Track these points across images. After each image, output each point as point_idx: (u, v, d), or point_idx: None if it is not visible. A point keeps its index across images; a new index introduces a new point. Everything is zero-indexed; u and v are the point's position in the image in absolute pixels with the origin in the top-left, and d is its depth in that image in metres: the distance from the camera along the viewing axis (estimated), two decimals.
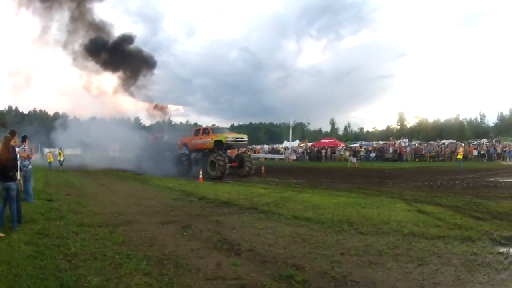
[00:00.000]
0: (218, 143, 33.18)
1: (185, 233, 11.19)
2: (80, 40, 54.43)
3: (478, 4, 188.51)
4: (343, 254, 8.77)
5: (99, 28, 54.56)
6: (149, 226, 12.14)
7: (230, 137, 33.83)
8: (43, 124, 63.73)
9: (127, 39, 56.90)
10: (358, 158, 58.20)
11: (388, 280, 6.97)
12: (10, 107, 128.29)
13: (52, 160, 41.22)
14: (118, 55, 55.33)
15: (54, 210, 14.56)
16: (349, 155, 57.36)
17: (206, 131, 35.25)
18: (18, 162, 12.69)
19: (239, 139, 34.55)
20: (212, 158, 32.04)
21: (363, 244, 9.50)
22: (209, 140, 34.05)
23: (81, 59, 54.52)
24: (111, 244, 9.75)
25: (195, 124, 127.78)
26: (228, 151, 36.22)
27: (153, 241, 10.22)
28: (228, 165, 31.96)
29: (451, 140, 77.57)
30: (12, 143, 11.77)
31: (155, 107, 58.15)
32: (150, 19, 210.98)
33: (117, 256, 8.59)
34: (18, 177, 12.22)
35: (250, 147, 54.54)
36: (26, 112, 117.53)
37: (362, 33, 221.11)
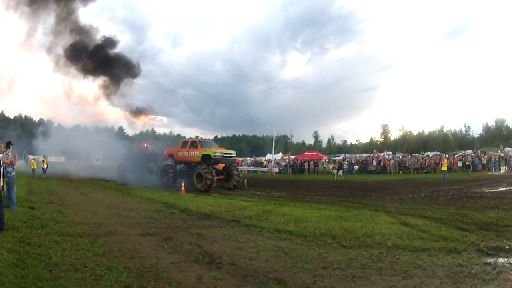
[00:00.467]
0: (206, 157, 33.19)
1: (166, 246, 11.18)
2: (64, 43, 54.03)
3: (463, 17, 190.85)
4: (325, 268, 8.77)
5: (83, 31, 54.24)
6: (130, 238, 12.14)
7: (219, 152, 34.06)
8: (27, 130, 63.39)
9: (109, 43, 56.52)
10: (342, 170, 58.40)
11: None
12: None
13: (35, 167, 40.81)
14: (100, 60, 55.01)
15: (36, 219, 14.51)
16: (333, 168, 57.76)
17: (194, 143, 35.31)
18: (1, 169, 12.60)
19: (227, 155, 34.74)
20: (199, 171, 31.96)
21: (346, 258, 9.52)
22: (196, 153, 34.11)
23: (62, 63, 54.06)
24: (92, 255, 9.74)
25: (179, 135, 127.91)
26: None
27: (134, 253, 10.22)
28: (215, 178, 31.87)
29: (435, 152, 78.32)
30: None
31: (137, 111, 57.54)
32: (136, 28, 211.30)
33: (97, 268, 8.58)
34: (1, 184, 12.13)
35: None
36: (11, 117, 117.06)
37: (347, 46, 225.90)
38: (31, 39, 54.73)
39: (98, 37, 55.46)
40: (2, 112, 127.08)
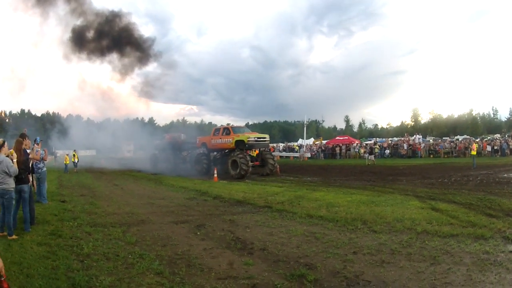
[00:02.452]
0: (240, 143, 32.73)
1: (198, 233, 11.16)
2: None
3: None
4: (355, 253, 8.70)
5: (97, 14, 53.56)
6: (163, 226, 12.14)
7: (252, 137, 33.33)
8: (56, 126, 63.63)
9: (116, 16, 55.14)
10: (373, 155, 58.12)
11: (399, 280, 6.88)
12: (22, 110, 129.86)
13: (68, 162, 40.89)
14: (110, 36, 54.35)
15: (67, 211, 14.62)
16: (364, 153, 57.12)
17: (227, 130, 34.79)
18: (32, 165, 12.78)
19: (261, 139, 34.04)
20: (234, 158, 31.64)
21: (376, 243, 9.45)
22: (230, 140, 33.67)
23: (72, 48, 53.60)
24: (124, 244, 9.78)
25: (210, 123, 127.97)
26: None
27: (166, 240, 10.22)
28: (250, 164, 31.52)
29: (465, 136, 77.10)
30: (23, 146, 11.86)
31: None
32: (159, 20, 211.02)
33: (129, 256, 8.60)
34: (31, 180, 12.32)
35: None
36: (39, 115, 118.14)
37: (372, 29, 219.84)
38: (49, 36, 54.71)
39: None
40: (28, 110, 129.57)
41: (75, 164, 42.32)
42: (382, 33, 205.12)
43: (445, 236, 9.74)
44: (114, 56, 55.73)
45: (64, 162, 41.38)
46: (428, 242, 9.31)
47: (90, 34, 53.53)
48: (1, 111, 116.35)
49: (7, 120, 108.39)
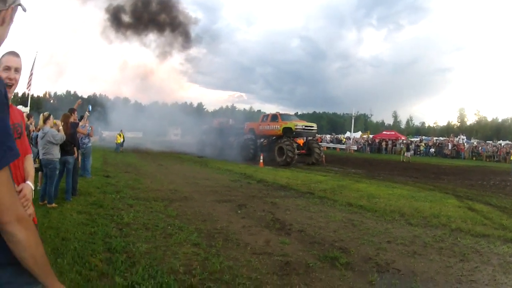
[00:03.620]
0: (287, 130, 32.51)
1: (239, 211, 11.32)
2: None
3: None
4: (389, 242, 8.80)
5: None
6: (205, 204, 12.30)
7: (300, 124, 33.02)
8: (103, 108, 64.19)
9: None
10: (418, 152, 58.30)
11: (428, 272, 6.91)
12: (68, 92, 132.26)
13: (120, 141, 41.04)
14: (147, 12, 54.14)
15: (110, 185, 14.88)
16: (401, 149, 56.82)
17: (275, 117, 34.73)
18: (78, 139, 13.14)
19: (309, 128, 33.67)
20: (280, 144, 31.56)
21: (410, 235, 9.53)
22: (277, 127, 33.48)
23: (111, 27, 54.07)
24: (165, 216, 9.94)
25: (259, 111, 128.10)
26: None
27: (207, 216, 10.38)
28: (296, 152, 31.33)
29: (507, 141, 75.66)
30: (71, 119, 12.20)
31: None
32: (209, 8, 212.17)
33: (169, 227, 8.76)
34: (77, 154, 12.66)
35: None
36: (85, 96, 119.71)
37: (421, 23, 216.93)
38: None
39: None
40: (74, 92, 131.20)
41: (121, 144, 41.95)
42: (431, 28, 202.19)
43: (477, 236, 9.70)
44: (151, 36, 55.90)
45: (116, 141, 41.42)
46: (460, 239, 9.31)
47: (128, 11, 53.88)
48: (45, 92, 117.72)
49: (51, 101, 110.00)
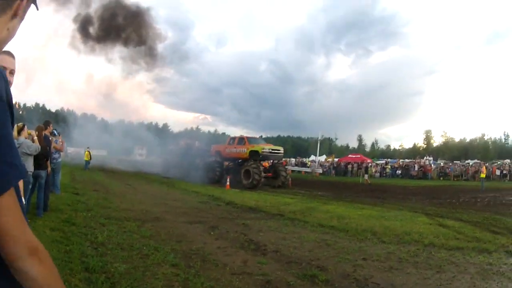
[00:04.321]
0: (254, 153, 32.77)
1: (212, 233, 11.29)
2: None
3: (504, 22, 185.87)
4: (365, 259, 8.90)
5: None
6: (177, 224, 12.27)
7: (267, 148, 33.50)
8: (69, 123, 63.50)
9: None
10: (384, 174, 59.26)
11: (407, 284, 7.14)
12: (37, 104, 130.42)
13: (89, 158, 40.57)
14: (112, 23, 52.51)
15: (81, 203, 14.73)
16: (375, 172, 57.77)
17: (241, 140, 34.93)
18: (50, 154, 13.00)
19: (275, 151, 34.29)
20: (247, 167, 31.64)
21: (385, 252, 9.67)
22: (244, 150, 33.70)
23: (80, 38, 52.49)
24: (139, 237, 9.87)
25: (223, 134, 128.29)
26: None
27: (181, 237, 10.33)
28: (263, 174, 31.58)
29: (476, 160, 76.99)
30: (45, 132, 12.10)
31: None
32: (179, 27, 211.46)
33: (144, 248, 8.67)
34: (49, 168, 12.53)
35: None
36: (53, 110, 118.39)
37: (391, 49, 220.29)
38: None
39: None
40: (43, 105, 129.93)
41: (88, 161, 41.16)
42: (401, 53, 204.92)
43: (451, 249, 10.06)
44: (117, 51, 55.40)
45: (85, 158, 40.87)
46: (434, 253, 9.58)
47: (95, 22, 52.55)
48: (15, 102, 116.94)
49: (20, 112, 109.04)
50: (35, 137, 10.68)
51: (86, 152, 41.34)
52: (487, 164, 56.44)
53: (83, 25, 51.15)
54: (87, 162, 40.12)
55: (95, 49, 53.52)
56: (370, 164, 65.71)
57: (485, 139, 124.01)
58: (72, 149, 59.40)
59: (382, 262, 8.64)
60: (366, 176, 47.16)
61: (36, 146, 10.36)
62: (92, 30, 51.57)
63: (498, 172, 52.36)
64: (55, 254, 7.39)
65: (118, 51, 58.77)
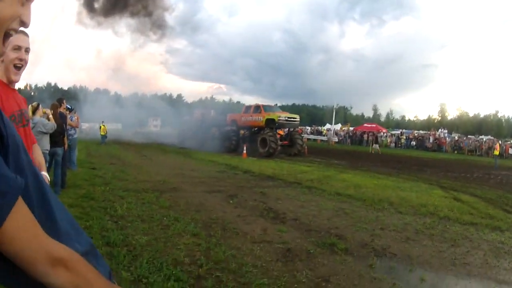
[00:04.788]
0: (270, 121, 32.40)
1: (231, 201, 11.29)
2: None
3: None
4: (382, 229, 9.02)
5: None
6: (195, 194, 12.24)
7: (283, 116, 33.04)
8: (82, 99, 63.19)
9: None
10: (399, 145, 59.20)
11: (423, 256, 7.19)
12: (49, 84, 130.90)
13: (105, 133, 39.65)
14: None
15: (98, 177, 14.69)
16: (390, 142, 57.48)
17: (257, 108, 34.47)
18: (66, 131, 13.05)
19: (291, 119, 33.70)
20: (263, 136, 31.33)
21: (401, 222, 9.77)
22: (260, 118, 33.27)
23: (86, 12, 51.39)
24: (158, 208, 9.84)
25: (238, 102, 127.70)
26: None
27: (200, 207, 10.31)
28: (279, 143, 31.37)
29: (489, 137, 76.28)
30: (60, 109, 12.14)
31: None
32: None
33: (164, 219, 8.67)
34: (66, 145, 12.58)
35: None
36: (65, 88, 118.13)
37: (404, 19, 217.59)
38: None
39: None
40: (55, 84, 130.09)
41: (105, 135, 40.22)
42: (414, 25, 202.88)
43: (465, 224, 10.07)
44: (125, 24, 54.69)
45: (101, 133, 40.21)
46: (449, 226, 9.64)
47: None
48: (25, 84, 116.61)
49: (32, 93, 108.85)
50: (51, 116, 10.66)
51: (102, 127, 40.70)
52: (500, 142, 56.09)
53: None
54: (104, 137, 39.49)
55: (102, 23, 53.01)
56: (380, 134, 65.29)
57: (499, 116, 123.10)
58: (87, 125, 59.19)
59: (399, 233, 8.77)
60: (376, 146, 46.21)
61: (52, 125, 10.33)
62: (97, 4, 51.13)
63: (511, 151, 51.36)
64: None
65: (125, 23, 58.22)
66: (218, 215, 9.48)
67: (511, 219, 11.07)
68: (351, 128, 74.77)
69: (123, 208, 9.51)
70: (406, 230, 9.02)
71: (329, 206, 11.27)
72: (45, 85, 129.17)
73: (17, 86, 3.14)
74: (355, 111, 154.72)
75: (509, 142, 59.94)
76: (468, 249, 7.83)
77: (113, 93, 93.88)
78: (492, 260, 7.25)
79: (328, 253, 7.03)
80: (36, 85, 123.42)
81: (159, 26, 54.67)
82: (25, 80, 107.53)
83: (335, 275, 5.99)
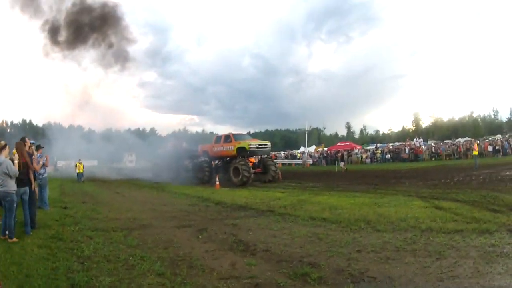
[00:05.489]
0: (241, 150, 32.55)
1: (200, 236, 11.14)
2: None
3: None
4: (360, 251, 8.72)
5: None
6: (164, 230, 12.14)
7: (253, 143, 33.12)
8: (57, 136, 62.96)
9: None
10: (375, 160, 59.53)
11: (406, 275, 6.90)
12: (24, 120, 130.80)
13: (82, 170, 39.62)
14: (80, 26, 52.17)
15: (69, 217, 14.58)
16: (366, 158, 57.77)
17: (228, 137, 34.67)
18: (34, 172, 12.74)
19: (262, 146, 33.79)
20: (236, 165, 31.46)
21: (380, 241, 9.48)
22: (231, 147, 33.45)
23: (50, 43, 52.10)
24: (125, 247, 9.75)
25: (211, 133, 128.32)
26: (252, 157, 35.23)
27: (168, 243, 10.20)
28: (252, 171, 31.50)
29: (466, 138, 77.15)
30: (26, 149, 11.87)
31: None
32: (159, 30, 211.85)
33: (130, 258, 8.56)
34: (34, 186, 12.27)
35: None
36: (40, 125, 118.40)
37: (371, 33, 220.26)
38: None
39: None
40: (30, 120, 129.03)
41: (82, 173, 40.16)
42: (381, 38, 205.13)
43: (450, 232, 9.82)
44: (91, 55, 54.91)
45: (77, 171, 39.94)
46: (433, 238, 9.40)
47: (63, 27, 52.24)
48: (2, 121, 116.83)
49: (8, 130, 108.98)
50: (16, 161, 10.60)
51: (78, 164, 40.49)
52: (478, 141, 56.57)
53: (51, 31, 50.77)
54: (80, 174, 39.38)
55: (67, 56, 53.03)
56: (355, 151, 66.48)
57: (474, 116, 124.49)
58: (63, 162, 59.02)
59: (378, 253, 8.47)
60: (342, 164, 47.18)
61: (15, 171, 10.33)
62: (60, 36, 51.17)
63: (490, 148, 52.24)
64: (42, 272, 7.43)
65: (89, 56, 58.24)
66: (186, 251, 9.38)
67: (500, 219, 11.06)
68: (325, 149, 75.40)
69: (90, 249, 9.43)
70: (385, 249, 8.76)
71: (302, 232, 11.06)
72: (21, 122, 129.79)
73: None
74: (328, 131, 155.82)
75: (487, 140, 60.67)
76: (455, 259, 7.59)
77: (87, 129, 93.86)
78: (484, 267, 7.03)
79: (300, 285, 6.84)
80: (11, 122, 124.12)
81: (124, 58, 54.84)
82: (1, 117, 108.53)
83: None
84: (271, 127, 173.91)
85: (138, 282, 6.99)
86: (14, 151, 10.95)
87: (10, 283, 6.66)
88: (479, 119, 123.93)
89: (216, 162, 36.96)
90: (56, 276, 7.19)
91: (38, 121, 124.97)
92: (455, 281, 6.42)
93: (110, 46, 54.03)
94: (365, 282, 6.74)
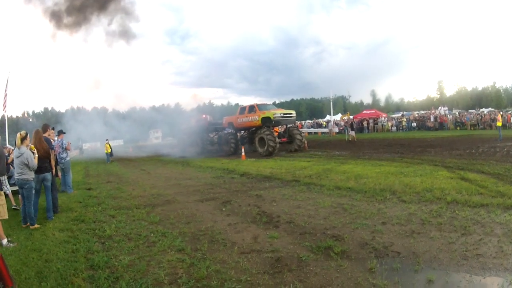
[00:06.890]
0: (266, 120, 32.19)
1: (223, 209, 11.07)
2: None
3: None
4: (384, 223, 8.56)
5: None
6: (188, 205, 12.10)
7: (278, 113, 32.69)
8: (81, 119, 63.05)
9: None
10: (401, 128, 59.07)
11: (430, 251, 6.66)
12: (45, 108, 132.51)
13: (109, 150, 39.04)
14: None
15: (92, 198, 14.58)
16: (391, 126, 56.97)
17: (252, 108, 34.35)
18: (56, 156, 12.76)
19: (287, 115, 33.36)
20: (261, 135, 31.29)
21: (405, 213, 9.28)
22: (256, 118, 33.16)
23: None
24: (147, 224, 9.75)
25: (237, 104, 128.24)
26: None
27: (190, 218, 10.17)
28: (278, 141, 31.18)
29: (490, 108, 76.17)
30: (46, 135, 11.89)
31: None
32: (175, 8, 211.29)
33: (152, 235, 8.56)
34: (55, 171, 12.31)
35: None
36: (63, 111, 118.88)
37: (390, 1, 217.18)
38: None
39: None
40: (52, 108, 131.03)
41: (110, 153, 39.82)
42: (400, 6, 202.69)
43: (475, 206, 9.50)
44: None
45: (105, 151, 39.61)
46: (458, 212, 9.09)
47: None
48: (23, 112, 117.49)
49: (30, 120, 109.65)
50: (36, 155, 10.53)
51: (106, 145, 40.12)
52: (502, 112, 55.72)
53: (55, 15, 50.66)
54: (108, 155, 39.20)
55: (77, 31, 52.90)
56: (381, 119, 65.93)
57: (497, 87, 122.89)
58: (88, 145, 59.33)
59: (403, 226, 8.27)
60: (352, 133, 45.97)
61: (34, 164, 10.29)
62: (64, 19, 51.09)
63: None
64: (62, 255, 7.40)
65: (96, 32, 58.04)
66: (208, 225, 9.31)
67: None
68: (351, 117, 74.83)
69: (112, 228, 9.41)
70: (410, 222, 8.52)
71: (327, 203, 10.93)
72: (43, 111, 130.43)
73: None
74: (354, 99, 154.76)
75: (510, 112, 59.70)
76: (480, 236, 7.29)
77: (110, 110, 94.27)
78: (508, 246, 6.68)
79: (323, 259, 6.65)
80: (33, 111, 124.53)
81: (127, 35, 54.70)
82: (23, 108, 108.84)
83: (328, 286, 5.61)
84: (296, 97, 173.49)
85: (158, 259, 6.94)
86: (32, 145, 10.88)
87: (29, 270, 6.61)
88: (501, 90, 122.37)
89: (242, 133, 36.96)
90: (75, 258, 7.18)
91: (61, 108, 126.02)
92: (480, 260, 6.14)
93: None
94: (389, 257, 6.52)
